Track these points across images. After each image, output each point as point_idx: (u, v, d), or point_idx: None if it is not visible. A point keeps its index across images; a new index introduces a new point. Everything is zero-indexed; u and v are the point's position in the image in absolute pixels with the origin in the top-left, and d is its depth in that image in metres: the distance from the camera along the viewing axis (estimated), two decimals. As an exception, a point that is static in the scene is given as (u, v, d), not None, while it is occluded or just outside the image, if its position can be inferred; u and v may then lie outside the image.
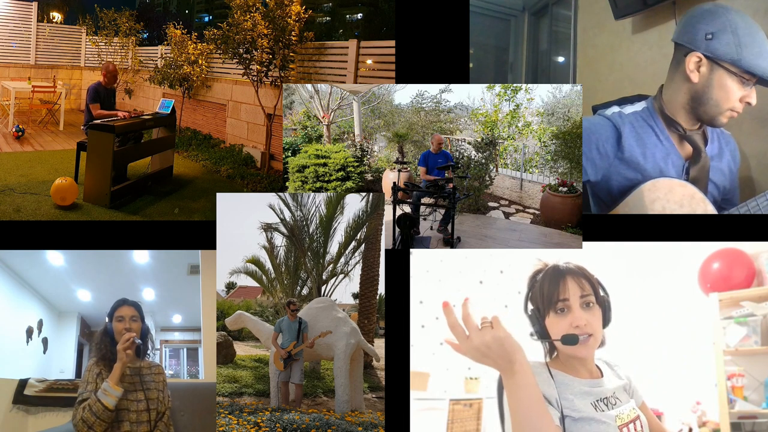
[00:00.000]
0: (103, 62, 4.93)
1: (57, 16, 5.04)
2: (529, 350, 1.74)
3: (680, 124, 2.76)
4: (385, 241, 3.74)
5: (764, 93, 2.92)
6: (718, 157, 2.87)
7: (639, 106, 2.84)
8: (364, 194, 4.00)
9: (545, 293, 1.75)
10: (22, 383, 3.11)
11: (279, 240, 4.06)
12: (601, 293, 1.76)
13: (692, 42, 2.65)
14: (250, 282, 4.21)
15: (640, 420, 1.72)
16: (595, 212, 2.91)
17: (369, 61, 4.10)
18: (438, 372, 3.52)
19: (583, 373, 1.75)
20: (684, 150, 2.81)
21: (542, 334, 1.77)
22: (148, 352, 2.49)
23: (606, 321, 1.76)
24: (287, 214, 3.92)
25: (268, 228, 3.97)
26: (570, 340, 1.68)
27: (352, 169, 4.20)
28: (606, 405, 1.70)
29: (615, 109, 2.85)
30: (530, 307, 1.81)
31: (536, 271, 1.81)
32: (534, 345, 1.79)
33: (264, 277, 4.19)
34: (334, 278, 4.11)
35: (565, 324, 1.71)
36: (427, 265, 3.47)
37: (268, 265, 4.15)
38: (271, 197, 3.81)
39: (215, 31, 4.43)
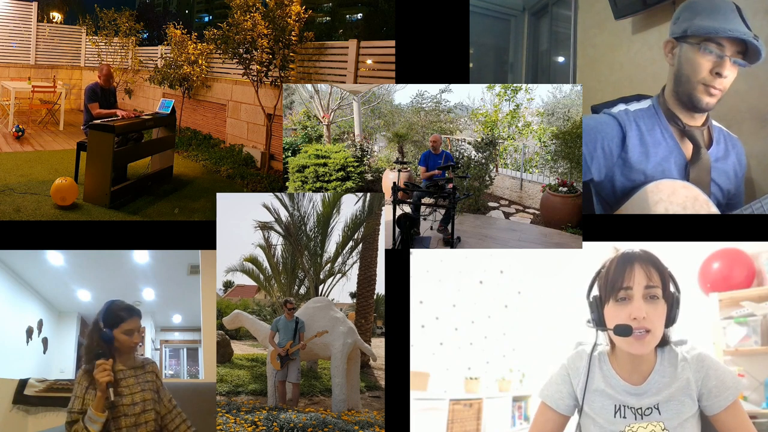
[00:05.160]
0: (103, 62, 4.94)
1: (57, 16, 5.04)
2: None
3: (679, 118, 2.76)
4: (385, 241, 3.74)
5: (764, 93, 2.92)
6: (723, 158, 2.84)
7: (645, 104, 2.84)
8: (361, 194, 4.01)
9: (610, 278, 1.67)
10: (22, 383, 3.11)
11: (276, 239, 4.07)
12: (671, 289, 1.68)
13: (670, 31, 2.75)
14: (248, 281, 4.21)
15: None
16: (599, 212, 2.90)
17: (369, 61, 4.10)
18: (438, 372, 3.52)
19: (634, 378, 1.71)
20: (686, 148, 2.80)
21: (598, 322, 1.71)
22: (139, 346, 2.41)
23: (671, 320, 1.69)
24: (283, 214, 3.93)
25: (264, 227, 3.97)
26: (623, 331, 1.61)
27: (352, 169, 4.20)
28: (634, 414, 1.68)
29: (621, 107, 2.84)
30: (594, 293, 1.73)
31: (610, 258, 1.73)
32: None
33: (261, 275, 4.19)
34: (332, 278, 4.11)
35: (623, 314, 1.64)
36: (427, 265, 3.46)
37: (266, 264, 4.15)
38: (268, 197, 3.81)
39: (215, 31, 4.43)
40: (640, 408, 1.68)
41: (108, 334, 2.26)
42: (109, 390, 2.16)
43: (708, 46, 2.59)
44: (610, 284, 1.68)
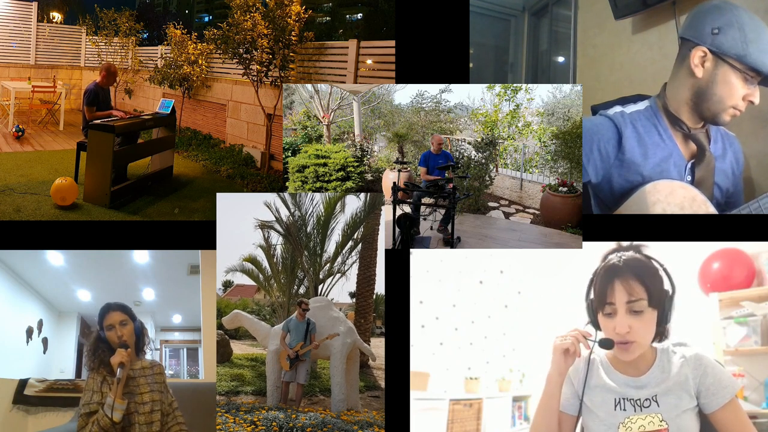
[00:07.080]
0: (103, 62, 4.94)
1: (57, 16, 5.04)
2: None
3: (684, 122, 2.73)
4: (385, 241, 3.74)
5: (764, 93, 2.92)
6: (721, 157, 2.84)
7: (642, 105, 2.82)
8: (361, 194, 4.01)
9: (597, 292, 1.75)
10: (22, 383, 3.12)
11: (276, 239, 4.07)
12: (665, 287, 1.73)
13: (698, 37, 2.62)
14: (247, 280, 4.21)
15: None
16: (597, 213, 2.90)
17: (369, 61, 4.10)
18: (438, 372, 3.52)
19: (630, 370, 1.77)
20: (687, 149, 2.79)
21: (595, 325, 1.80)
22: (145, 348, 2.44)
23: (663, 320, 1.73)
24: (284, 213, 3.93)
25: (264, 226, 3.96)
26: (605, 344, 1.73)
27: (352, 169, 4.20)
28: (633, 406, 1.73)
29: (617, 108, 2.82)
30: (591, 296, 1.80)
31: (607, 253, 1.78)
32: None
33: (261, 275, 4.19)
34: (331, 277, 4.11)
35: (609, 327, 1.73)
36: (427, 265, 3.47)
37: (266, 263, 4.15)
38: (269, 196, 3.81)
39: (215, 31, 4.43)
40: (639, 399, 1.73)
41: (102, 334, 2.34)
42: (118, 370, 2.23)
43: (753, 76, 2.54)
44: (597, 298, 1.75)
